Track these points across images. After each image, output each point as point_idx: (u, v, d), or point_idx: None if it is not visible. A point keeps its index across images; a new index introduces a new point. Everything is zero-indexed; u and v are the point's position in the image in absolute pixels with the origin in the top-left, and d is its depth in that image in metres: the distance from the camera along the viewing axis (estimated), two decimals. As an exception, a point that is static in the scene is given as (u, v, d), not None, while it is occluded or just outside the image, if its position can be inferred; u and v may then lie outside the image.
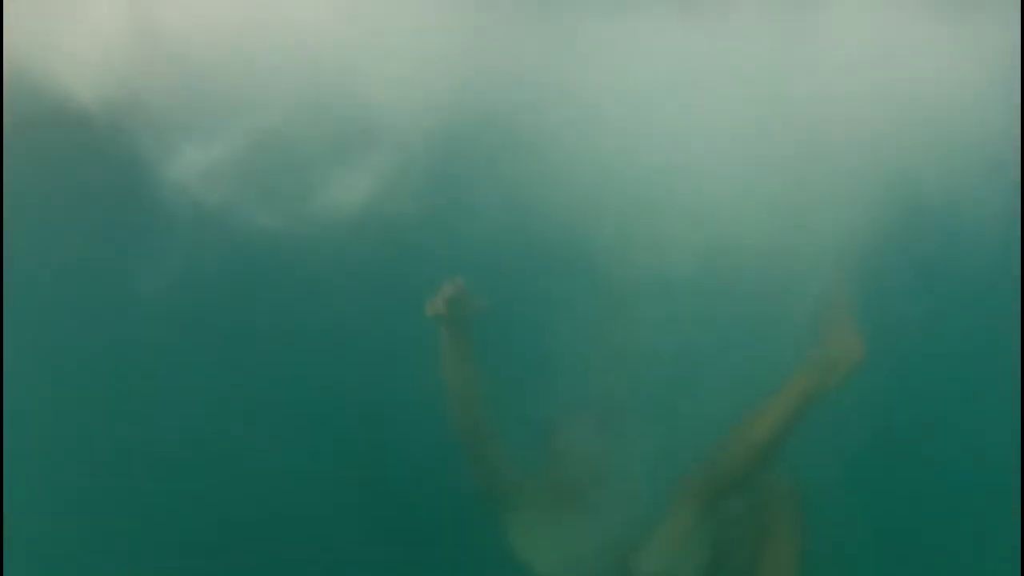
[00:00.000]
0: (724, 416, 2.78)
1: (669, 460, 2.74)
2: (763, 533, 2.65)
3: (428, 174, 3.48)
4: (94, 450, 3.42)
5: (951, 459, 3.27)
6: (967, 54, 3.44)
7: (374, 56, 3.33)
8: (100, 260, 3.62)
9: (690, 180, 3.24)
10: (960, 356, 3.48)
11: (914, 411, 3.36)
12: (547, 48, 3.42)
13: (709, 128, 3.30)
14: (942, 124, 3.36)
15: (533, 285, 3.30)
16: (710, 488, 2.69)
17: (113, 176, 3.65)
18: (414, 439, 3.29)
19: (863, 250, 3.05)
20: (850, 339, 2.65)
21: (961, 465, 3.28)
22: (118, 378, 3.55)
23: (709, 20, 3.38)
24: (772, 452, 2.66)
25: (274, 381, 3.54)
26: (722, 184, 3.21)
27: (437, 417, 2.93)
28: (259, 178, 3.39)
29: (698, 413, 2.80)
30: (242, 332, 3.62)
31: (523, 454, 2.91)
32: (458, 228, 3.39)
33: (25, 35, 3.41)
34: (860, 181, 3.25)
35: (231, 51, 3.33)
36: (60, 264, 3.66)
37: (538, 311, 3.18)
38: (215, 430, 3.36)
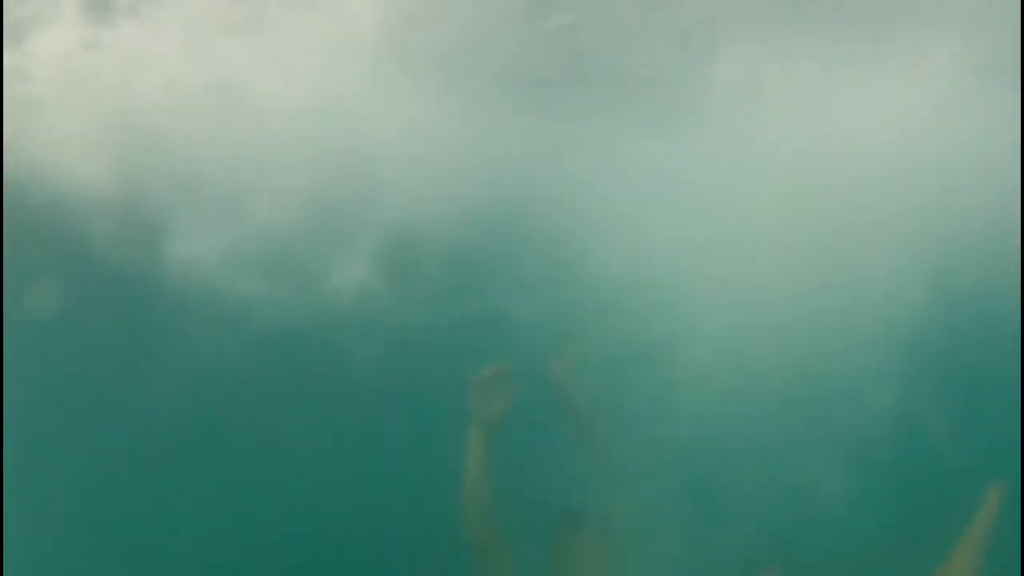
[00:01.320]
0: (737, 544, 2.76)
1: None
2: None
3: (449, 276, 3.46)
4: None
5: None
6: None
7: (394, 162, 3.32)
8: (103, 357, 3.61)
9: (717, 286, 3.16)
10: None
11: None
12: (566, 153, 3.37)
13: (732, 227, 3.28)
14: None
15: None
16: None
17: (113, 269, 3.65)
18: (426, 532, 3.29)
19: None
20: None
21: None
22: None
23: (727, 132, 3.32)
24: None
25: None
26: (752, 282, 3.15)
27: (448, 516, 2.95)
28: (272, 275, 3.37)
29: (706, 535, 2.77)
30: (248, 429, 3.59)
31: (529, 559, 2.93)
32: (478, 328, 3.35)
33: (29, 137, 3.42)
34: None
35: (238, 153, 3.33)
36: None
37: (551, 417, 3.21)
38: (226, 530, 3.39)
